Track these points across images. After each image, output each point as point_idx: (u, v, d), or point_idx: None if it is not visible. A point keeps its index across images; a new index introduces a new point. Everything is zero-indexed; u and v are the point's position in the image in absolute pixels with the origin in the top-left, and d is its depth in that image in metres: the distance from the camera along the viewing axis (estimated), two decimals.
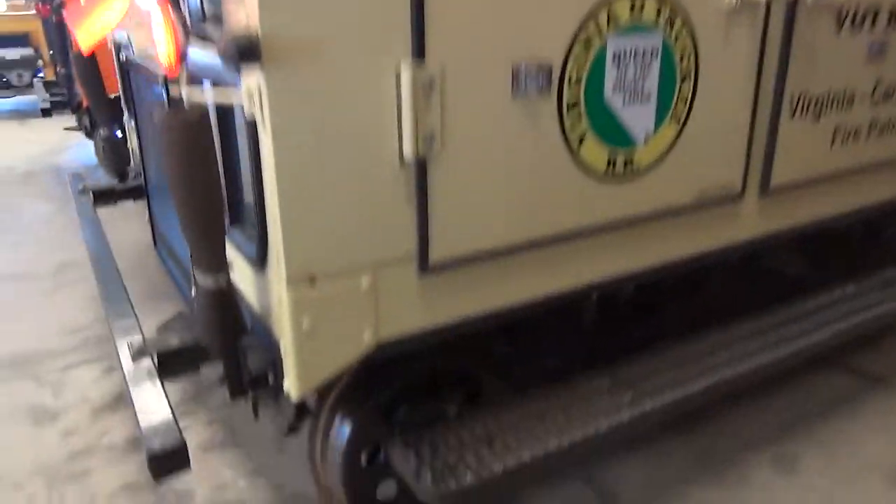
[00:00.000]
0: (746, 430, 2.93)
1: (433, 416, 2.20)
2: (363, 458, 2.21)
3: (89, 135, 4.33)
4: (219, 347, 1.80)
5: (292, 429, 2.11)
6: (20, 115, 11.38)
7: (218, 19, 1.66)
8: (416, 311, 1.82)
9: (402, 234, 1.72)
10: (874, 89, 2.58)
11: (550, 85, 1.78)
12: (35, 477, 2.75)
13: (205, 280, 1.69)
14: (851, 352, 3.51)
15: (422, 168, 1.66)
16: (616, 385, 2.30)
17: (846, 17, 2.36)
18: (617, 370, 2.38)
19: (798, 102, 2.35)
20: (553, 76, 1.78)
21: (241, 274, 2.02)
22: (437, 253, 1.76)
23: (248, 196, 1.83)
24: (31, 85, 11.46)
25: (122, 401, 3.25)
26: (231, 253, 2.00)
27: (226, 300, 1.73)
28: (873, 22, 2.45)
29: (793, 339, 2.61)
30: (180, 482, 2.69)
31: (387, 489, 2.32)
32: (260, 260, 1.78)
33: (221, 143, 1.95)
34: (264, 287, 1.82)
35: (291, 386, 1.71)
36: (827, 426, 2.95)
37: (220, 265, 1.70)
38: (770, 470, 2.70)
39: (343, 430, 2.12)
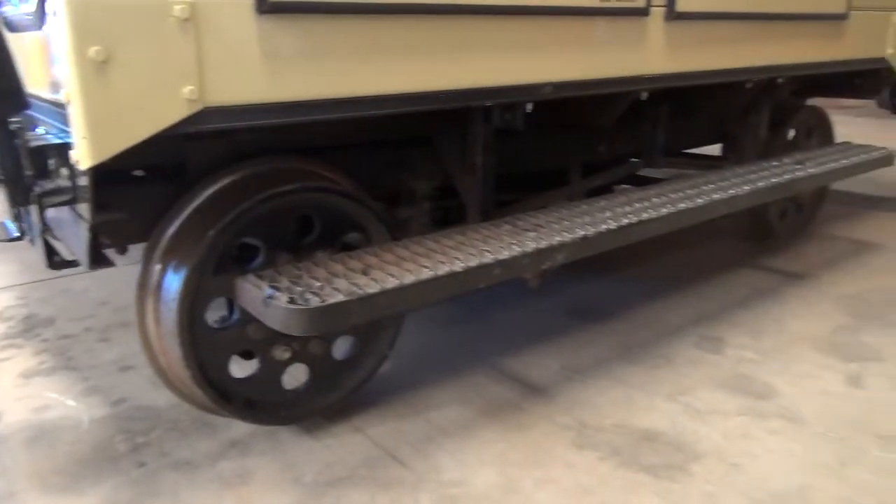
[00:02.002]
0: (666, 320, 2.65)
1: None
2: (209, 319, 1.75)
3: None
4: None
5: (98, 256, 1.61)
6: None
7: None
8: (258, 72, 1.40)
9: None
10: None
11: None
12: None
13: None
14: (764, 254, 3.34)
15: None
16: (517, 229, 1.95)
17: None
18: (517, 219, 2.04)
19: None
20: None
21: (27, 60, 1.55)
22: None
23: None
24: None
25: None
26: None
27: None
28: None
29: (711, 193, 2.35)
30: None
31: (248, 368, 1.87)
32: (39, 13, 1.33)
33: None
34: (47, 44, 1.36)
35: (80, 149, 1.26)
36: (750, 312, 2.71)
37: None
38: (695, 350, 2.41)
39: (176, 282, 1.65)
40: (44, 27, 1.37)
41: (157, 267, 1.69)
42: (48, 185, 1.48)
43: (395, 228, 1.95)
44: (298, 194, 1.74)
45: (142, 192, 1.66)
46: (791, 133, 3.32)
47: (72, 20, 1.18)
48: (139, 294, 1.74)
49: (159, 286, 1.69)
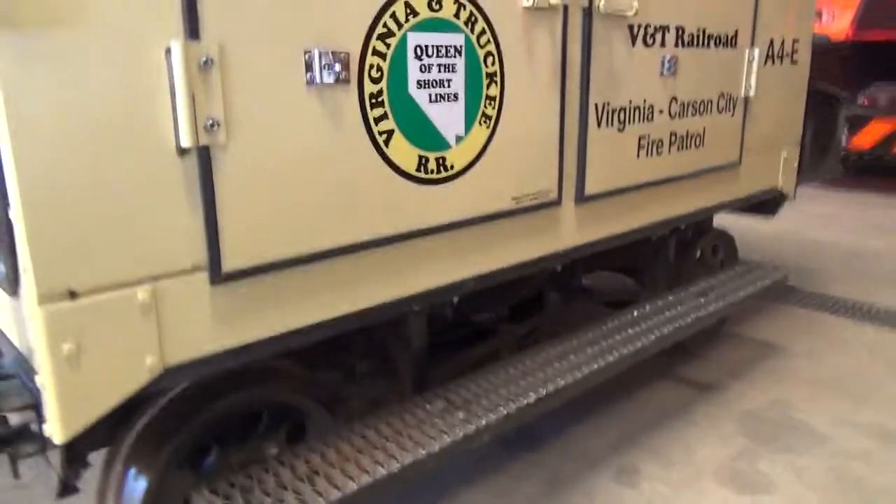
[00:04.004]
0: (590, 447, 2.90)
1: (250, 460, 1.96)
2: None
3: None
4: None
5: (67, 488, 1.75)
6: None
7: None
8: (212, 329, 1.59)
9: (187, 242, 1.51)
10: (670, 104, 2.73)
11: (349, 75, 1.68)
12: None
13: None
14: (679, 363, 3.65)
15: (206, 160, 1.48)
16: (449, 406, 2.17)
17: (638, 33, 2.49)
18: (450, 392, 2.25)
19: (602, 112, 2.43)
20: (351, 66, 1.68)
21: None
22: (231, 261, 1.56)
23: None
24: None
25: None
26: None
27: None
28: (663, 41, 2.61)
29: (621, 345, 2.63)
30: None
31: None
32: (12, 280, 1.49)
33: None
34: (19, 310, 1.52)
35: (54, 427, 1.41)
36: (663, 435, 2.99)
37: None
38: (614, 484, 2.66)
39: (138, 486, 1.80)
40: (18, 294, 1.51)
41: (117, 472, 1.84)
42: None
43: (336, 408, 2.15)
44: (258, 396, 1.92)
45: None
46: (698, 252, 3.66)
47: (47, 326, 1.34)
48: (100, 492, 1.87)
49: (119, 492, 1.83)
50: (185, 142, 1.42)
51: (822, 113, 3.99)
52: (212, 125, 1.45)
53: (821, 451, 2.86)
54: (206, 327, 1.58)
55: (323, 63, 1.61)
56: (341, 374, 2.28)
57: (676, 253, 3.43)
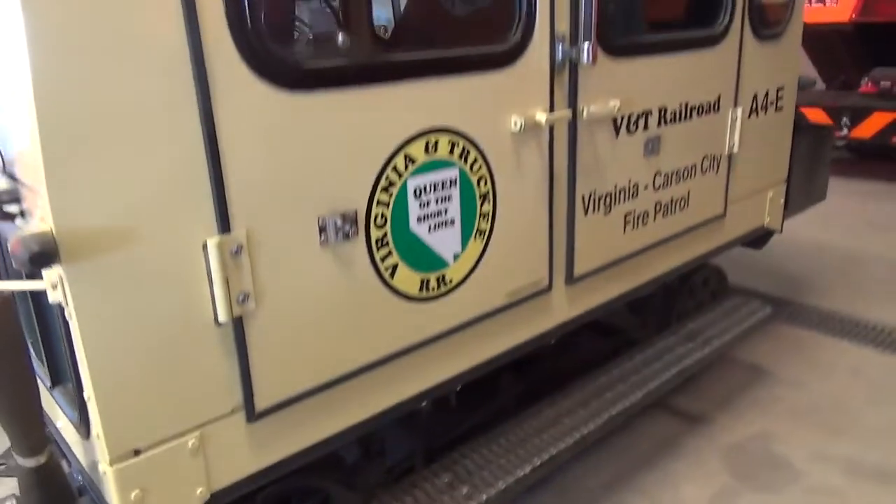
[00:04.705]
0: (585, 489, 3.19)
1: None
2: None
3: None
4: None
5: None
6: None
7: (14, 199, 1.66)
8: (250, 455, 1.88)
9: (225, 392, 1.79)
10: (654, 178, 2.94)
11: (357, 229, 1.93)
12: None
13: (24, 461, 1.67)
14: (670, 394, 3.91)
15: (239, 327, 1.75)
16: (455, 480, 2.46)
17: (621, 125, 2.70)
18: (455, 463, 2.55)
19: (589, 201, 2.65)
20: (359, 221, 1.93)
21: (69, 433, 2.00)
22: (263, 401, 1.84)
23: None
24: None
25: None
26: (57, 412, 1.98)
27: (48, 476, 1.72)
28: (646, 125, 2.82)
29: (611, 405, 2.90)
30: None
31: None
32: (83, 428, 1.78)
33: (34, 304, 1.94)
34: (91, 450, 1.81)
35: None
36: (653, 473, 3.27)
37: (38, 447, 1.69)
38: None
39: None
40: (89, 438, 1.81)
41: None
42: None
43: (356, 482, 2.45)
44: (291, 484, 2.22)
45: None
46: (688, 287, 3.90)
47: (118, 481, 1.64)
48: None
49: None
50: (222, 317, 1.69)
51: (810, 146, 4.17)
52: (243, 299, 1.72)
53: (796, 488, 3.14)
54: (244, 454, 1.87)
55: (335, 225, 1.86)
56: (358, 450, 2.57)
57: (666, 293, 3.68)
